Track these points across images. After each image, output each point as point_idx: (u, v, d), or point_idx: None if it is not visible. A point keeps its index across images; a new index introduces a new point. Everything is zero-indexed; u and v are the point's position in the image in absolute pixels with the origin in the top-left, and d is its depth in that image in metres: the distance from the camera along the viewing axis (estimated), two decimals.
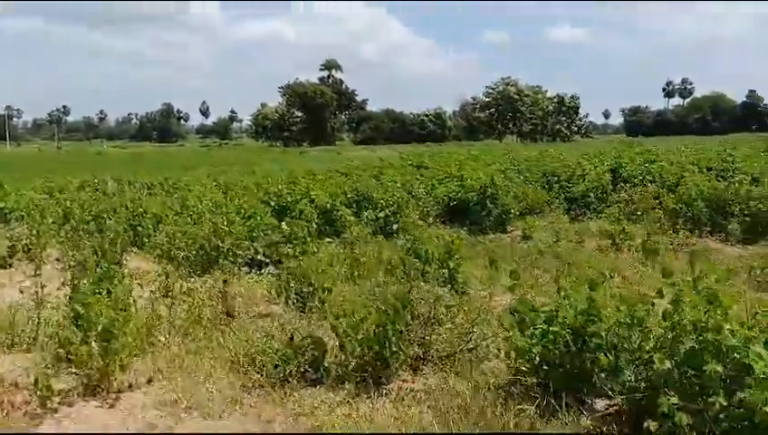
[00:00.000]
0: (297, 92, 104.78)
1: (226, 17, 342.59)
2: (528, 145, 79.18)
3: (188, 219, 11.31)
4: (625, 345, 5.24)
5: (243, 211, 11.63)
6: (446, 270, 8.99)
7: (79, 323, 5.54)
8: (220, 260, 9.65)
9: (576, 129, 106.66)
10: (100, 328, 5.39)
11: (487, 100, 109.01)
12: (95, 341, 5.39)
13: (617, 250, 13.02)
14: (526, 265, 11.66)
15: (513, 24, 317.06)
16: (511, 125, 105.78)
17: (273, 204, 13.84)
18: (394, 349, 5.88)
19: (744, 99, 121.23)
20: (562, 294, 6.00)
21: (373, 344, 5.88)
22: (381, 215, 13.88)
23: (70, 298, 6.27)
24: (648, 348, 5.09)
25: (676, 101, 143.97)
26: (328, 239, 12.63)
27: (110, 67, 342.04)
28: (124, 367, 5.50)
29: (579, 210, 16.20)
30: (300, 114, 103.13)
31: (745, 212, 13.00)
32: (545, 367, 5.63)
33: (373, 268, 10.33)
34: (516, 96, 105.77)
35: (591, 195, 16.25)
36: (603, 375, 5.31)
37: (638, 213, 15.10)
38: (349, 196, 14.42)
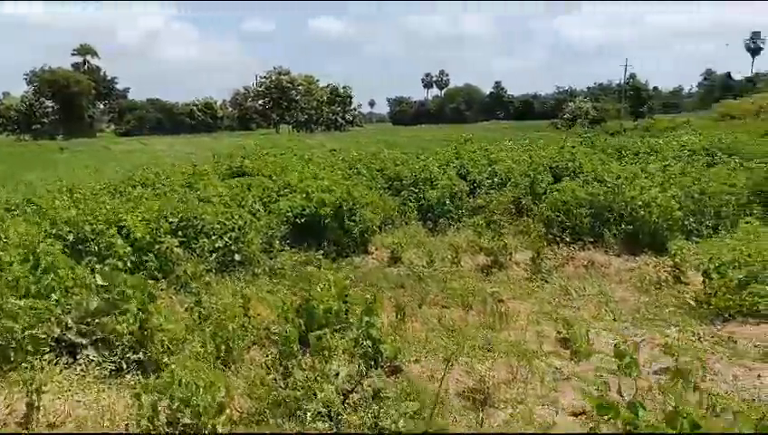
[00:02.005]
0: (47, 80, 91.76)
1: None
2: (304, 135, 77.51)
3: None
4: None
5: (32, 258, 7.86)
6: (369, 340, 6.41)
7: None
8: (11, 354, 6.08)
9: (351, 118, 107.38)
10: None
11: (260, 89, 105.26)
12: None
13: (501, 268, 11.39)
14: (418, 298, 9.52)
15: (277, 13, 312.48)
16: (286, 115, 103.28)
17: (66, 236, 9.99)
18: None
19: (491, 90, 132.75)
20: None
21: None
22: (220, 244, 10.69)
23: None
24: None
25: (435, 91, 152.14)
26: (151, 281, 9.25)
27: None
28: None
29: (434, 220, 14.25)
30: (51, 104, 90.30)
31: (627, 220, 11.92)
32: None
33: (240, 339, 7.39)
34: (290, 85, 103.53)
35: (448, 202, 14.31)
36: None
37: (499, 222, 13.61)
38: (171, 221, 10.88)
